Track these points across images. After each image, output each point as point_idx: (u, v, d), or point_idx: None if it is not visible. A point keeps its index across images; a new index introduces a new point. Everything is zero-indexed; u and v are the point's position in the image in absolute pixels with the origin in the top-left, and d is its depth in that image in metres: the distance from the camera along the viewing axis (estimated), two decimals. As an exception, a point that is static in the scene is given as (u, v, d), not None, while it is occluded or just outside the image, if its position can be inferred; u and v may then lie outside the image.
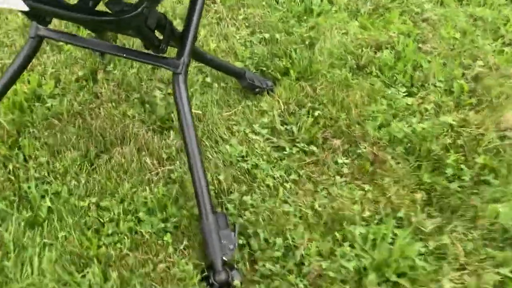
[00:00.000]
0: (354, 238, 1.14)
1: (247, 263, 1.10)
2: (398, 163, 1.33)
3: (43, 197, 1.19)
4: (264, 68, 1.62)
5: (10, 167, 1.24)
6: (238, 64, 1.62)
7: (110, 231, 1.12)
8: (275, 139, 1.38)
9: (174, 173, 1.26)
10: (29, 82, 1.47)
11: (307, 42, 1.73)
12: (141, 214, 1.15)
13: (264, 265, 1.09)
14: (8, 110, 1.37)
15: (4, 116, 1.35)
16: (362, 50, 1.70)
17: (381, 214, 1.21)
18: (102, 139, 1.33)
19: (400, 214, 1.20)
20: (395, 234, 1.16)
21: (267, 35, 1.74)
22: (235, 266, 1.08)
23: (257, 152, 1.33)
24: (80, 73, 1.52)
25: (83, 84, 1.49)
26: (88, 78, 1.52)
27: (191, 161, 1.09)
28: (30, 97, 1.42)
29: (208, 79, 1.55)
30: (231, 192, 1.23)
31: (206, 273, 1.05)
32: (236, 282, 1.04)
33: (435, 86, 1.59)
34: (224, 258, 1.03)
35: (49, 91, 1.44)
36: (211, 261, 1.04)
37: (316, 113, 1.44)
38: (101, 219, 1.15)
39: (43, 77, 1.50)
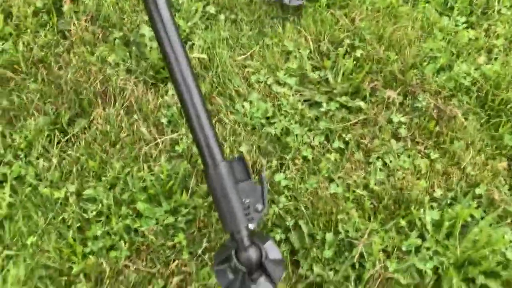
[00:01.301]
0: (424, 226, 0.87)
1: (289, 266, 0.82)
2: (467, 118, 1.03)
3: (0, 183, 0.86)
4: (283, -7, 1.23)
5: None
6: (249, -12, 1.23)
7: (99, 232, 0.81)
8: (306, 92, 1.05)
9: (180, 144, 0.93)
10: (-32, 17, 1.07)
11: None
12: (139, 205, 0.84)
13: (311, 269, 0.82)
14: None
15: None
16: (406, -33, 1.32)
17: (455, 190, 0.92)
18: (76, 98, 0.98)
19: (479, 190, 0.92)
20: (474, 218, 0.89)
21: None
22: (269, 236, 0.75)
23: (285, 111, 1.01)
24: (39, 4, 1.12)
25: (43, 20, 1.10)
26: (51, 10, 1.12)
27: (180, 89, 0.69)
28: (-29, 39, 1.03)
29: (211, 9, 1.17)
30: (257, 170, 0.92)
31: (223, 254, 0.69)
32: (274, 257, 0.69)
33: (500, 13, 1.24)
34: (250, 226, 0.68)
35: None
36: (231, 234, 0.68)
37: (358, 53, 1.10)
38: (85, 214, 0.83)
39: (-14, 10, 1.10)
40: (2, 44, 1.04)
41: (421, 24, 1.17)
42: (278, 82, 1.06)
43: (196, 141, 0.69)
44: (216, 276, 0.69)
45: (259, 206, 0.69)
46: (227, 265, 0.68)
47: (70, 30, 1.09)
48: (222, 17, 1.16)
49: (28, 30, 1.07)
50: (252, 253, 0.67)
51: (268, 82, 1.05)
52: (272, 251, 0.70)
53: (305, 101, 1.04)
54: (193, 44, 1.10)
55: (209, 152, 0.68)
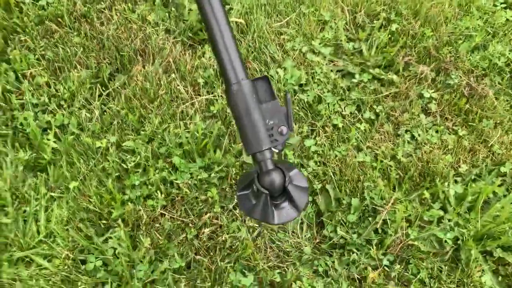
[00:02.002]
0: (447, 199, 0.90)
1: (314, 227, 0.86)
2: (498, 98, 1.03)
3: (45, 131, 0.91)
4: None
5: (-2, 89, 0.94)
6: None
7: (137, 182, 0.86)
8: (340, 62, 1.07)
9: (215, 105, 0.96)
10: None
11: None
12: (175, 159, 0.88)
13: (335, 231, 0.85)
14: (-11, 8, 1.03)
15: (-15, 17, 1.01)
16: None
17: (480, 167, 0.94)
18: (117, 54, 1.01)
19: (504, 169, 0.94)
20: (496, 195, 0.91)
21: None
22: (295, 166, 0.70)
23: (318, 79, 1.03)
24: (82, -41, 1.14)
25: (86, -25, 1.12)
26: (93, -34, 1.15)
27: (205, 8, 0.65)
28: (17, -10, 1.06)
29: (251, -25, 1.18)
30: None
31: (246, 180, 0.66)
32: (299, 184, 0.65)
33: (539, -4, 1.23)
34: (274, 149, 0.64)
35: (42, -17, 1.08)
36: (253, 157, 0.64)
37: (393, 27, 1.11)
38: (123, 165, 0.88)
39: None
40: (47, -3, 1.07)
41: (458, 1, 1.17)
42: (313, 51, 1.08)
43: (219, 59, 0.65)
44: (238, 202, 0.66)
45: (284, 129, 0.64)
46: (249, 191, 0.65)
47: (112, -13, 1.12)
48: (260, -18, 1.17)
49: (72, -15, 1.10)
50: (275, 177, 0.62)
51: (303, 50, 1.07)
52: (298, 178, 0.66)
53: (338, 71, 1.06)
54: (231, 8, 1.11)
55: (232, 69, 0.64)
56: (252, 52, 1.05)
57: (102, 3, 1.09)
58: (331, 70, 1.05)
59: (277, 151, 0.64)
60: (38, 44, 0.99)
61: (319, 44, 1.08)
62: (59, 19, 1.04)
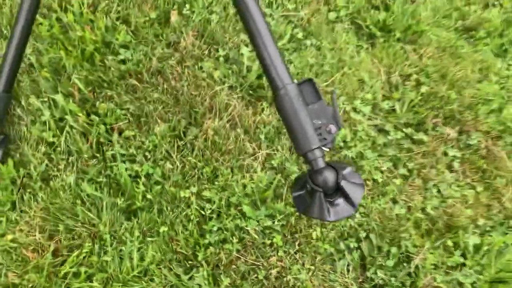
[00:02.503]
0: (467, 248, 1.09)
1: (358, 269, 1.05)
2: (510, 157, 1.22)
3: (134, 179, 1.07)
4: (361, 22, 1.40)
5: (92, 139, 1.09)
6: (331, 15, 1.39)
7: (214, 228, 1.03)
8: (378, 121, 1.24)
9: (275, 159, 1.13)
10: (92, 22, 1.23)
11: (407, -10, 1.48)
12: (245, 208, 1.05)
13: (375, 273, 1.04)
14: (77, 62, 1.17)
15: (76, 72, 1.16)
16: (469, 7, 1.48)
17: (494, 220, 1.13)
18: (189, 108, 1.17)
19: (513, 222, 1.13)
20: (507, 245, 1.11)
21: (363, -23, 1.47)
22: (345, 164, 0.72)
23: (361, 136, 1.20)
24: (153, 15, 1.29)
25: (158, 31, 1.27)
26: (162, 21, 1.29)
27: (248, 20, 0.71)
28: (100, 46, 1.20)
29: (299, 34, 1.34)
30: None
31: (300, 182, 0.69)
32: (353, 180, 0.68)
33: (547, 61, 1.41)
34: (324, 148, 0.68)
35: (120, 39, 1.22)
36: (304, 157, 0.67)
37: (423, 89, 1.28)
38: (202, 211, 1.05)
39: (107, 16, 1.26)
40: (125, 52, 1.22)
41: (479, 66, 1.35)
42: (355, 109, 1.25)
43: (264, 66, 0.70)
44: (294, 203, 0.70)
45: (332, 127, 0.67)
46: (304, 191, 0.69)
47: (180, 43, 1.27)
48: (308, 42, 1.33)
49: (146, 40, 1.25)
50: (328, 174, 0.65)
51: (347, 109, 1.24)
52: (351, 175, 0.69)
53: (375, 127, 1.24)
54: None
55: (278, 75, 0.68)
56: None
57: (172, 58, 1.24)
58: (370, 127, 1.22)
59: (327, 149, 0.68)
60: (123, 99, 1.14)
61: (360, 103, 1.25)
62: (139, 75, 1.19)
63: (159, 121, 1.14)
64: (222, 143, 1.13)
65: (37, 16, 1.22)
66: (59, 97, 1.11)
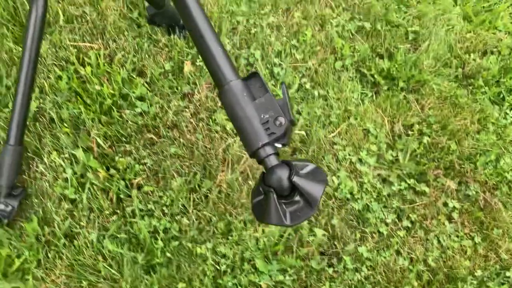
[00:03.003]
0: (465, 298, 1.16)
1: (363, 320, 1.11)
2: (506, 207, 1.29)
3: (153, 234, 1.12)
4: (365, 71, 1.46)
5: (112, 194, 1.14)
6: (338, 64, 1.45)
7: (229, 283, 1.09)
8: (383, 171, 1.30)
9: (287, 213, 1.19)
10: (109, 74, 1.28)
11: (410, 38, 1.54)
12: (258, 262, 1.11)
13: (380, 324, 1.11)
14: (95, 116, 1.22)
15: (95, 126, 1.20)
16: (468, 55, 1.54)
17: (490, 271, 1.21)
18: (204, 161, 1.22)
19: (508, 274, 1.21)
20: (502, 294, 1.18)
21: (367, 25, 1.53)
22: (307, 161, 0.62)
23: (366, 188, 1.26)
24: (167, 66, 1.34)
25: (173, 83, 1.32)
26: (176, 72, 1.34)
27: (188, 15, 0.65)
28: (117, 98, 1.25)
29: (307, 84, 1.39)
30: (344, 241, 1.18)
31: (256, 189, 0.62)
32: (313, 176, 0.59)
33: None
34: (277, 144, 0.60)
35: (137, 92, 1.27)
36: (254, 155, 0.61)
37: (425, 140, 1.35)
38: (217, 266, 1.11)
39: (123, 68, 1.31)
40: (142, 105, 1.26)
41: (478, 117, 1.42)
42: (361, 160, 1.31)
43: (206, 63, 0.65)
44: (253, 212, 0.61)
45: (281, 119, 0.60)
46: (262, 196, 0.60)
47: (194, 95, 1.32)
48: (316, 92, 1.39)
49: (161, 92, 1.29)
50: (281, 172, 0.56)
51: (353, 161, 1.30)
52: (311, 173, 0.59)
53: (379, 177, 1.30)
54: (299, 116, 1.33)
55: (221, 72, 0.64)
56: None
57: (187, 110, 1.29)
58: (377, 180, 1.29)
59: (280, 146, 0.60)
60: (141, 154, 1.19)
61: (366, 155, 1.31)
62: (156, 129, 1.24)
63: (175, 175, 1.19)
64: (235, 196, 1.19)
65: (55, 69, 1.27)
66: (79, 153, 1.15)
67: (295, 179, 0.56)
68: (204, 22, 0.65)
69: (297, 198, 0.57)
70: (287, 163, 0.58)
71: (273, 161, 0.58)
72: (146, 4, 1.37)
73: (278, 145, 0.60)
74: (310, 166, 0.60)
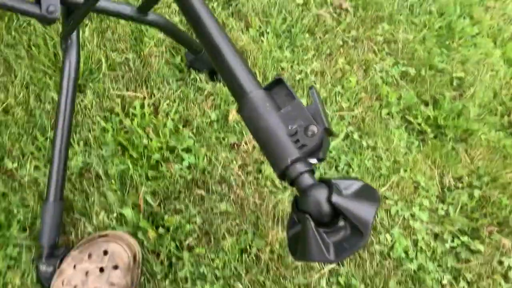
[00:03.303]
0: None
1: None
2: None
3: (205, 299, 1.07)
4: (411, 119, 1.42)
5: (163, 257, 1.09)
6: (384, 111, 1.42)
7: None
8: (436, 227, 1.26)
9: (341, 275, 1.15)
10: (154, 124, 1.24)
11: (455, 84, 1.51)
12: (315, 330, 1.07)
13: None
14: (143, 171, 1.17)
15: (143, 182, 1.16)
16: (513, 101, 1.51)
17: (551, 336, 1.17)
18: (254, 219, 1.18)
19: None
20: None
21: (411, 70, 1.50)
22: (352, 178, 0.54)
23: (421, 247, 1.22)
24: (213, 116, 1.30)
25: (219, 133, 1.28)
26: (221, 121, 1.30)
27: (199, 23, 0.59)
28: (164, 151, 1.21)
29: (354, 133, 1.36)
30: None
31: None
32: (362, 195, 0.47)
33: None
34: (311, 159, 0.49)
35: (185, 144, 1.23)
36: (285, 176, 0.51)
37: (476, 193, 1.31)
38: (274, 335, 1.06)
39: (168, 116, 1.27)
40: (189, 157, 1.22)
41: (528, 169, 1.38)
42: (413, 216, 1.27)
43: (223, 77, 0.58)
44: (289, 247, 0.50)
45: (313, 128, 0.49)
46: (298, 227, 0.48)
47: (240, 145, 1.28)
48: (364, 143, 1.35)
49: (208, 144, 1.25)
50: (318, 193, 0.46)
51: (406, 216, 1.26)
52: (358, 192, 0.47)
53: (432, 233, 1.26)
54: (340, 168, 1.29)
55: (238, 86, 0.55)
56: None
57: (234, 162, 1.25)
58: (428, 234, 1.25)
59: (315, 161, 0.50)
60: (191, 212, 1.15)
61: (418, 210, 1.27)
62: (204, 183, 1.19)
63: (226, 234, 1.14)
64: (288, 257, 1.14)
65: (100, 120, 1.22)
66: (128, 212, 1.11)
67: (336, 199, 0.45)
68: (218, 33, 0.56)
69: (342, 223, 0.46)
70: (326, 182, 0.47)
71: (307, 180, 0.47)
72: (185, 49, 1.34)
73: (313, 160, 0.49)
74: (357, 184, 0.48)
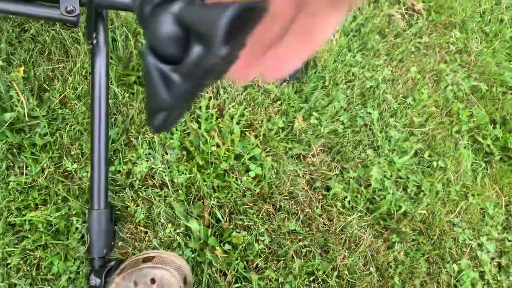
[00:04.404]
0: None
1: None
2: None
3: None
4: (480, 139, 1.35)
5: (231, 278, 1.03)
6: (454, 129, 1.34)
7: None
8: (502, 260, 1.22)
9: (410, 306, 1.10)
10: (219, 128, 1.15)
11: (526, 104, 1.44)
12: None
13: None
14: (208, 179, 1.09)
15: (210, 194, 1.08)
16: None
17: None
18: (323, 241, 1.12)
19: None
20: None
21: (483, 86, 1.42)
22: None
23: (488, 280, 1.18)
24: (280, 123, 1.21)
25: (286, 144, 1.19)
26: (288, 129, 1.21)
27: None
28: (231, 160, 1.12)
29: (425, 152, 1.28)
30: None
31: None
32: None
33: None
34: None
35: (252, 153, 1.14)
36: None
37: (543, 225, 1.26)
38: None
39: (232, 120, 1.18)
40: (256, 168, 1.14)
41: None
42: (481, 246, 1.22)
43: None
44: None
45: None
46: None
47: (306, 157, 1.20)
48: (434, 164, 1.28)
49: (275, 154, 1.17)
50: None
51: (473, 246, 1.21)
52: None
53: (498, 264, 1.21)
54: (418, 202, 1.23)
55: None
56: (434, 249, 1.18)
57: (301, 176, 1.17)
58: (493, 265, 1.20)
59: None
60: (259, 230, 1.08)
61: (486, 240, 1.22)
62: (272, 198, 1.12)
63: (294, 256, 1.08)
64: (357, 284, 1.09)
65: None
66: (194, 226, 1.03)
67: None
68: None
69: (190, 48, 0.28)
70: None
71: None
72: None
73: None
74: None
